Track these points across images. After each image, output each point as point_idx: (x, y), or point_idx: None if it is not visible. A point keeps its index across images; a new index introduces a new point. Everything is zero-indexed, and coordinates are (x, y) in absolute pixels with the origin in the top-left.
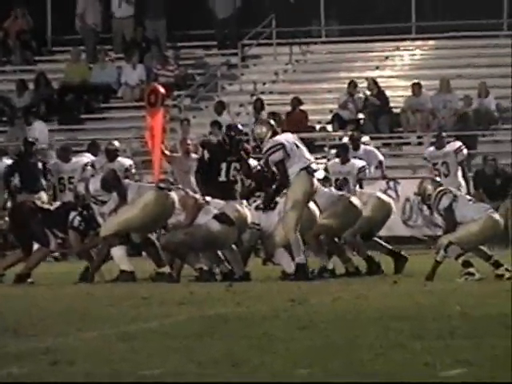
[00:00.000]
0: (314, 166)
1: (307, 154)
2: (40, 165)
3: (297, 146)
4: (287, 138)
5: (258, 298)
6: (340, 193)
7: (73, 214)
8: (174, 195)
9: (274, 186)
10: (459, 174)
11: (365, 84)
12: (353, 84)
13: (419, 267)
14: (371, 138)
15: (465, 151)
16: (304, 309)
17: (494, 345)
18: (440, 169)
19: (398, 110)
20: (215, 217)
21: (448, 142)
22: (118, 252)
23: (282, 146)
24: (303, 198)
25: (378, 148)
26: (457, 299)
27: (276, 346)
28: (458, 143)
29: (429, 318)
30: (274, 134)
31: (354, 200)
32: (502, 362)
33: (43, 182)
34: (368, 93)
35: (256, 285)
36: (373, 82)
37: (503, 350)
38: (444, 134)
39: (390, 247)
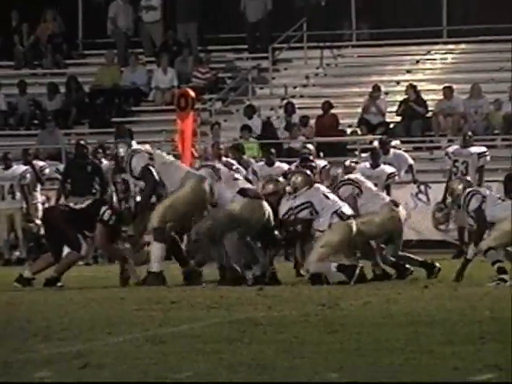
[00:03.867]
0: (345, 210)
1: (338, 201)
2: (89, 168)
3: (326, 197)
4: (317, 192)
5: (289, 302)
6: (386, 201)
7: (103, 208)
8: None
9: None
10: (476, 177)
11: (397, 88)
12: (376, 88)
13: (449, 272)
14: (402, 142)
15: (488, 158)
16: (334, 313)
17: None
18: (459, 167)
19: (429, 114)
20: (239, 191)
21: (473, 145)
22: (157, 251)
23: (311, 204)
24: (336, 244)
25: (408, 152)
26: (487, 304)
27: (306, 350)
28: (484, 148)
29: (459, 323)
30: (310, 184)
31: (399, 212)
32: None
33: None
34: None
35: (286, 289)
36: (411, 87)
37: None
38: (470, 134)
39: (421, 259)
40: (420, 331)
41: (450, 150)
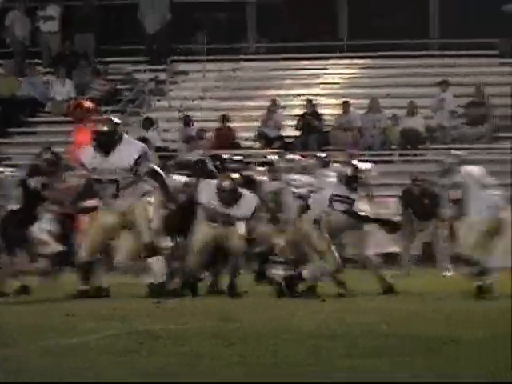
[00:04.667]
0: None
1: None
2: None
3: None
4: None
5: (187, 315)
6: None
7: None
8: None
9: None
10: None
11: (294, 102)
12: (274, 101)
13: (354, 284)
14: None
15: (373, 174)
16: (232, 325)
17: (420, 364)
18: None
19: (326, 129)
20: None
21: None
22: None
23: None
24: None
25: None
26: (385, 318)
27: (204, 364)
28: (369, 165)
29: (358, 337)
30: None
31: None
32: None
33: None
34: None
35: (185, 301)
36: (309, 101)
37: (426, 369)
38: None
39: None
40: (320, 345)
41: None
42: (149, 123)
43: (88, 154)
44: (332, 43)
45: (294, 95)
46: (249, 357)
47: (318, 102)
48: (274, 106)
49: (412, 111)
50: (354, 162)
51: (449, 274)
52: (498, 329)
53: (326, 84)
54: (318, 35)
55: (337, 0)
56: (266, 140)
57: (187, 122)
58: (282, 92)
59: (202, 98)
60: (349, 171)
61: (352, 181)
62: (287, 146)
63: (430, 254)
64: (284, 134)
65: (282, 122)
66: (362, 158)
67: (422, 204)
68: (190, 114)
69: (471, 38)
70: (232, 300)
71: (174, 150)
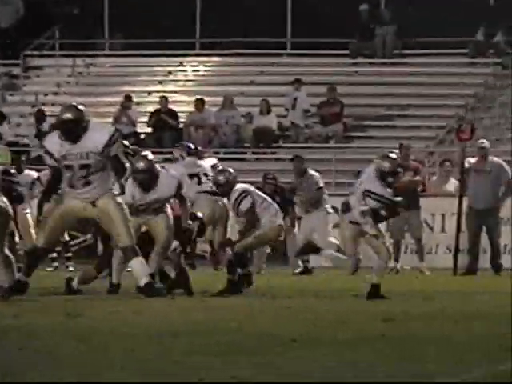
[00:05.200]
0: None
1: None
2: None
3: None
4: None
5: (35, 311)
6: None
7: None
8: None
9: None
10: None
11: (148, 98)
12: (128, 98)
13: (201, 283)
14: (153, 153)
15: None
16: (81, 322)
17: (267, 361)
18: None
19: (180, 126)
20: None
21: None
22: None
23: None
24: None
25: (158, 163)
26: (234, 316)
27: (56, 359)
28: (215, 160)
29: (205, 334)
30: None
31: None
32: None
33: None
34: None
35: (33, 297)
36: (163, 98)
37: (274, 368)
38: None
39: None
40: (165, 342)
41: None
42: (1, 118)
43: (54, 143)
44: (187, 40)
45: (149, 92)
46: (98, 352)
47: (172, 99)
48: (127, 103)
49: (265, 109)
50: (393, 155)
51: (298, 270)
52: (348, 330)
53: (181, 81)
54: (174, 32)
55: None
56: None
57: (40, 117)
58: (136, 88)
59: (55, 94)
60: (386, 166)
61: (388, 176)
62: (141, 142)
63: (281, 251)
64: (139, 130)
65: (136, 119)
66: (215, 156)
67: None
68: (43, 108)
69: (324, 38)
70: (81, 296)
71: (27, 145)
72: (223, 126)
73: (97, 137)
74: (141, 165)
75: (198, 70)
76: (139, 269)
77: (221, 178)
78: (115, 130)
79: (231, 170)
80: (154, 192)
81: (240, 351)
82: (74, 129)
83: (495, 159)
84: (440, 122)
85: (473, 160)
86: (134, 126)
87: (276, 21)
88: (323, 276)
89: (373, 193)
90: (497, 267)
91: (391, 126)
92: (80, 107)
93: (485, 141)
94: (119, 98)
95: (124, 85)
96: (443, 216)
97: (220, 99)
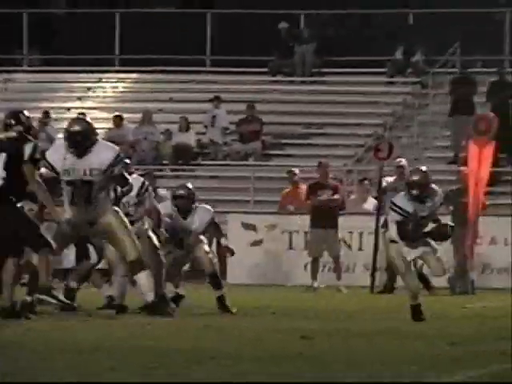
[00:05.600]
0: None
1: None
2: None
3: None
4: None
5: None
6: None
7: None
8: None
9: None
10: None
11: (67, 115)
12: (46, 114)
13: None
14: None
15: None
16: None
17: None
18: None
19: None
20: None
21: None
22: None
23: None
24: None
25: None
26: (150, 333)
27: None
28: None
29: (124, 351)
30: None
31: None
32: None
33: None
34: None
35: None
36: (82, 115)
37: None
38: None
39: None
40: (85, 358)
41: None
42: None
43: (57, 155)
44: (107, 56)
45: (68, 108)
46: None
47: (91, 116)
48: (46, 119)
49: (184, 127)
50: (423, 168)
51: None
52: (266, 347)
53: (100, 97)
54: (93, 48)
55: (114, 15)
56: None
57: None
58: (55, 104)
59: None
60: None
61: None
62: None
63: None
64: None
65: (55, 135)
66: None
67: None
68: None
69: (244, 55)
70: None
71: None
72: (142, 143)
73: (103, 154)
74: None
75: (116, 87)
76: (146, 283)
77: (182, 191)
78: (118, 149)
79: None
80: None
81: (161, 368)
82: (81, 142)
83: None
84: (358, 140)
85: (391, 179)
86: (52, 142)
87: (196, 38)
88: (242, 293)
89: (394, 204)
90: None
91: (310, 145)
92: (88, 120)
93: (402, 159)
94: (38, 114)
95: (42, 101)
96: (361, 234)
97: (139, 116)
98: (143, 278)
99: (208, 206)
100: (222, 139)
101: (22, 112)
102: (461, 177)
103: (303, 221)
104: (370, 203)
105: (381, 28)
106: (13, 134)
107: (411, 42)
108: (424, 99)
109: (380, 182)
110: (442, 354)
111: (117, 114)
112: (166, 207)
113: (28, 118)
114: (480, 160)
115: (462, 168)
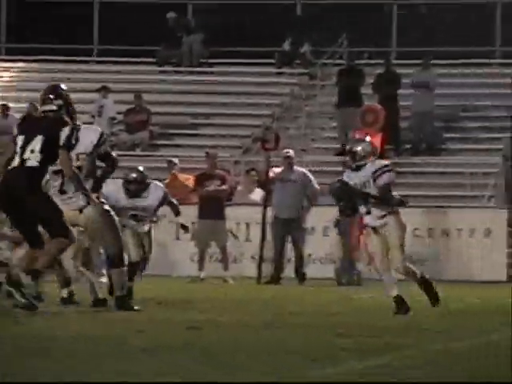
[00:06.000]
0: None
1: None
2: None
3: None
4: None
5: None
6: None
7: None
8: None
9: None
10: None
11: None
12: None
13: None
14: None
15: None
16: None
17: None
18: None
19: None
20: None
21: None
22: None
23: None
24: None
25: None
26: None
27: None
28: None
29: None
30: None
31: None
32: None
33: None
34: None
35: None
36: None
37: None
38: None
39: None
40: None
41: None
42: None
43: None
44: None
45: None
46: None
47: None
48: None
49: None
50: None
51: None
52: (148, 338)
53: None
54: None
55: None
56: None
57: None
58: None
59: None
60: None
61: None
62: None
63: None
64: None
65: None
66: None
67: None
68: None
69: (131, 45)
70: None
71: None
72: None
73: (86, 138)
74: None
75: (2, 76)
76: (118, 280)
77: (134, 175)
78: (101, 131)
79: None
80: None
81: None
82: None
83: (300, 169)
84: (246, 131)
85: (278, 170)
86: None
87: (83, 27)
88: None
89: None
90: (301, 276)
91: (197, 135)
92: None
93: (290, 150)
94: None
95: None
96: (248, 225)
97: (25, 105)
98: (117, 275)
99: (159, 183)
100: (109, 129)
101: (60, 86)
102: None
103: (187, 211)
104: (257, 194)
105: (269, 19)
106: (53, 107)
107: (299, 33)
108: (312, 90)
109: (267, 173)
110: (329, 345)
111: (2, 103)
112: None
113: (67, 93)
114: None
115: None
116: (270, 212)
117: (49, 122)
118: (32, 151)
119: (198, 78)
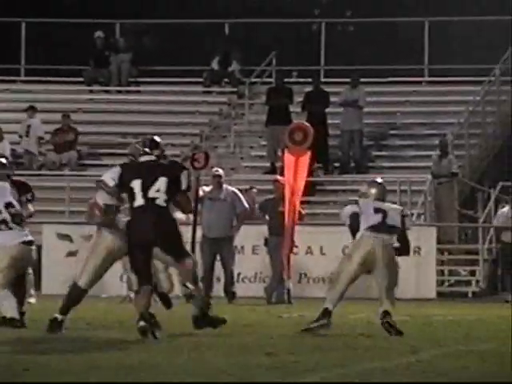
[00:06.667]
0: None
1: None
2: None
3: None
4: None
5: None
6: None
7: None
8: None
9: None
10: None
11: None
12: None
13: None
14: None
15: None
16: None
17: None
18: None
19: None
20: None
21: None
22: None
23: None
24: None
25: None
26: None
27: None
28: None
29: None
30: None
31: None
32: None
33: None
34: None
35: None
36: None
37: None
38: None
39: None
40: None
41: None
42: None
43: None
44: None
45: None
46: None
47: None
48: None
49: None
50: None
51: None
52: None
53: None
54: None
55: None
56: None
57: None
58: None
59: None
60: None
61: None
62: None
63: None
64: None
65: None
66: None
67: None
68: None
69: (59, 65)
70: None
71: None
72: None
73: None
74: None
75: None
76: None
77: None
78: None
79: None
80: None
81: None
82: None
83: (230, 188)
84: (175, 150)
85: (207, 188)
86: None
87: (10, 46)
88: (56, 304)
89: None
90: (231, 295)
91: (126, 155)
92: None
93: (219, 169)
94: None
95: None
96: None
97: None
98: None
99: None
100: (36, 149)
101: (155, 139)
102: (276, 186)
103: None
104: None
105: (198, 38)
106: (152, 157)
107: (227, 52)
108: (240, 109)
109: (197, 192)
110: (258, 364)
111: None
112: None
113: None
114: (296, 169)
115: (278, 177)
116: (199, 231)
117: (164, 166)
118: None
119: (127, 97)
